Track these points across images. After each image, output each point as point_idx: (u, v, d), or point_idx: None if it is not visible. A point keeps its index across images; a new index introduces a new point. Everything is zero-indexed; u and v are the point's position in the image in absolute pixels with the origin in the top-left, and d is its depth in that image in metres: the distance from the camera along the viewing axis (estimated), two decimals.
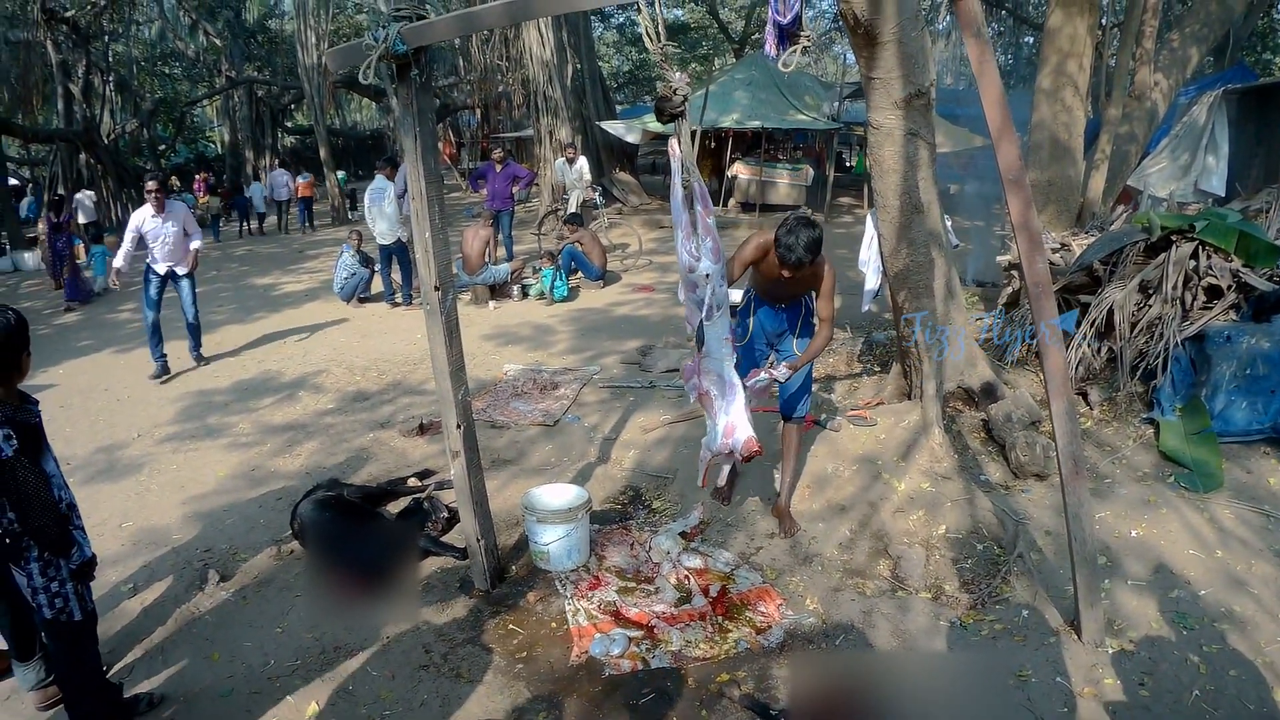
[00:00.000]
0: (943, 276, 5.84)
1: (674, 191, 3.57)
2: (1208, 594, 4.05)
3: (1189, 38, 10.26)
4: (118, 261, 8.32)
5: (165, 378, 8.45)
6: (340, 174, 24.05)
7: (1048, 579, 4.19)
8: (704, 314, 3.73)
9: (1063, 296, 6.65)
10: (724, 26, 36.72)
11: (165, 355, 8.64)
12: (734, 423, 3.88)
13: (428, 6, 3.70)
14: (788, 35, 3.24)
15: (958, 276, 6.30)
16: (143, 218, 8.18)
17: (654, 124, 19.67)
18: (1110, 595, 4.03)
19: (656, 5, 3.15)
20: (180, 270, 8.50)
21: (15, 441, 2.96)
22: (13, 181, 26.76)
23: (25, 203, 25.51)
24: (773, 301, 4.75)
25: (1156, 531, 4.56)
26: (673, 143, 3.44)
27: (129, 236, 8.24)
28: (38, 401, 3.22)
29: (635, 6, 3.21)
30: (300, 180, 21.94)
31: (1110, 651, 3.67)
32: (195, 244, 8.56)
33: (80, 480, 5.93)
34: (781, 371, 4.38)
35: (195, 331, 9.01)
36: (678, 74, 3.27)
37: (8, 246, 19.19)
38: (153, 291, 8.49)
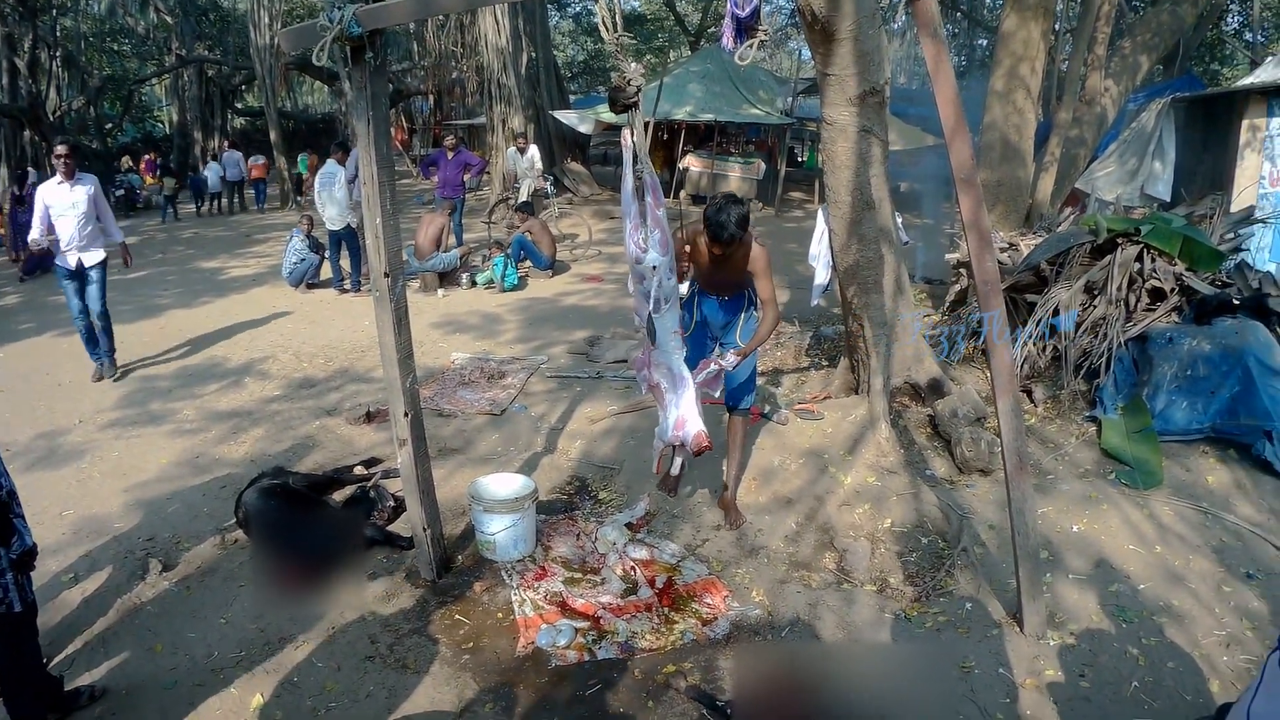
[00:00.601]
0: (892, 273, 5.91)
1: (625, 182, 3.57)
2: (1147, 588, 4.15)
3: (1140, 46, 10.49)
4: (33, 234, 7.36)
5: (116, 375, 7.74)
6: (301, 157, 23.66)
7: (991, 572, 4.26)
8: (651, 306, 3.74)
9: (1010, 295, 6.76)
10: (680, 19, 36.71)
11: (112, 350, 7.88)
12: (684, 416, 3.89)
13: None
14: (745, 29, 3.26)
15: (907, 273, 6.37)
16: (49, 188, 7.30)
17: (607, 114, 19.62)
18: (1052, 589, 4.11)
19: None
20: (89, 260, 7.49)
21: None
22: None
23: None
24: (716, 293, 4.77)
25: (1098, 527, 4.66)
26: (625, 133, 3.43)
27: (38, 213, 7.29)
28: None
29: None
30: (253, 162, 21.76)
31: (1052, 643, 3.75)
32: (118, 238, 7.73)
33: (20, 467, 5.76)
34: (729, 360, 4.38)
35: (106, 335, 7.85)
36: (632, 65, 3.27)
37: None
38: (72, 295, 7.56)
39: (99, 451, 6.11)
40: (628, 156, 3.48)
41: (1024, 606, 3.77)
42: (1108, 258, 6.32)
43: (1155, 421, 5.37)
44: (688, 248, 4.53)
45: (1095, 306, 6.15)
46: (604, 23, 3.20)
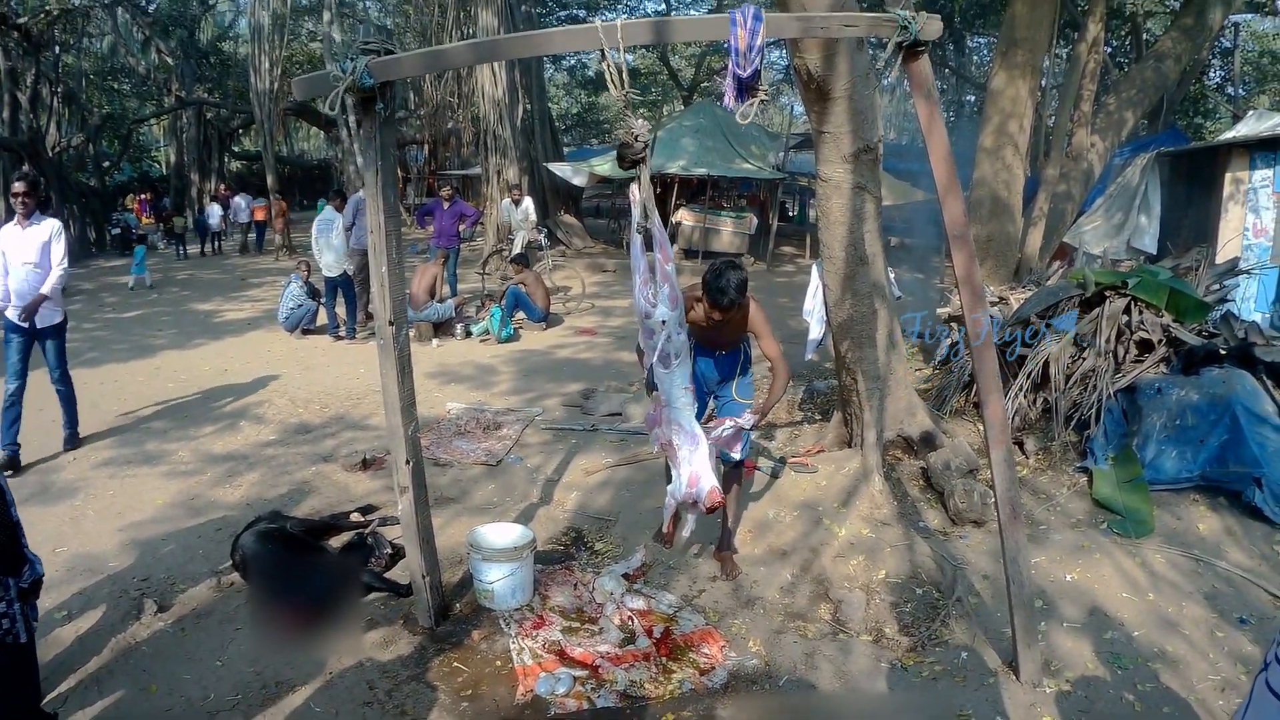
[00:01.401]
0: (885, 327, 5.99)
1: (632, 237, 3.64)
2: (1141, 635, 4.19)
3: (1125, 102, 10.72)
4: None
5: (10, 473, 6.22)
6: (321, 202, 24.29)
7: (986, 622, 4.30)
8: (660, 362, 3.78)
9: (1000, 348, 6.85)
10: (674, 73, 37.25)
11: (17, 444, 6.55)
12: (698, 472, 3.88)
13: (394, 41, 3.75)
14: (746, 89, 3.35)
15: (900, 328, 6.46)
16: (5, 232, 6.42)
17: (601, 167, 19.85)
18: (1047, 637, 4.15)
19: (620, 52, 3.25)
20: (41, 321, 6.51)
21: None
22: None
23: None
24: (711, 349, 4.82)
25: (1091, 576, 4.71)
26: (633, 188, 3.51)
27: None
28: None
29: (597, 52, 3.30)
30: (256, 204, 22.30)
31: (1048, 691, 3.78)
32: (49, 283, 6.41)
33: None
34: (748, 419, 4.39)
35: (67, 403, 7.00)
36: (640, 121, 3.36)
37: None
38: (14, 353, 6.51)
39: (92, 490, 6.11)
40: (636, 211, 3.56)
41: (1020, 654, 3.81)
42: (1096, 310, 6.43)
43: (1146, 471, 5.44)
44: (687, 308, 4.60)
45: (1084, 359, 6.25)
46: (611, 79, 3.29)
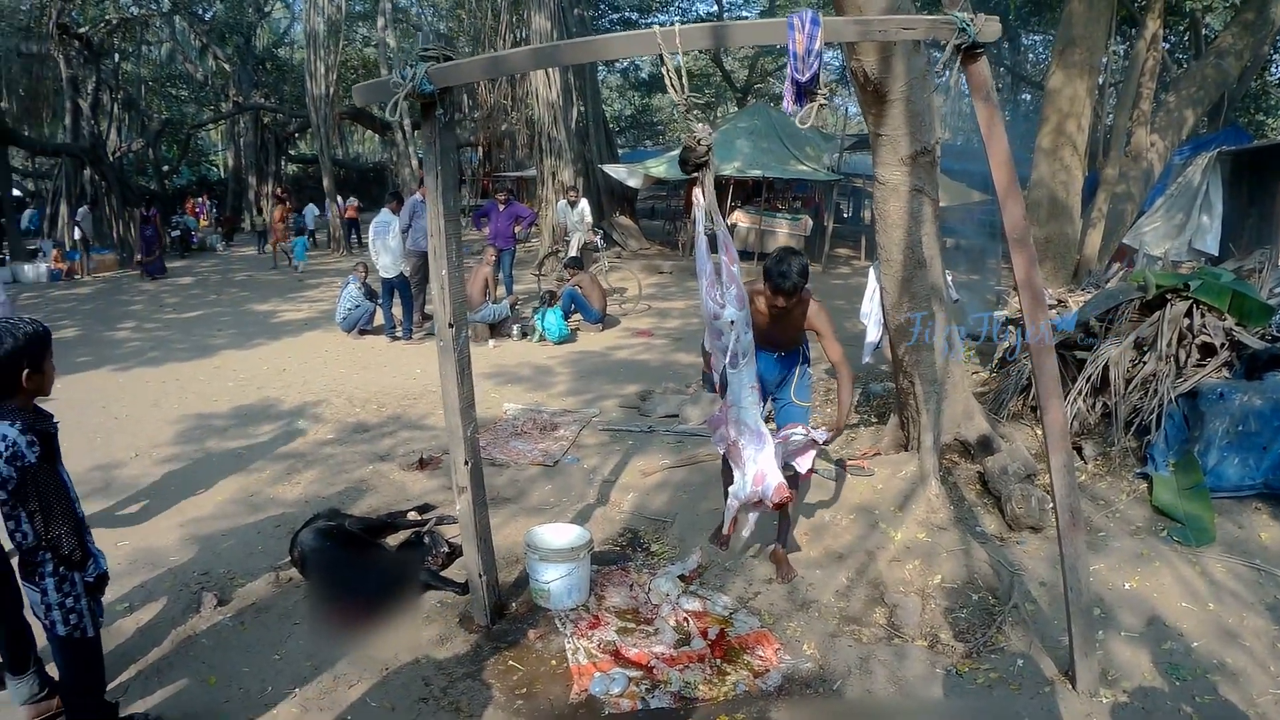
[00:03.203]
0: (942, 330, 5.94)
1: (697, 239, 3.66)
2: (1200, 646, 4.11)
3: (1185, 100, 10.51)
4: None
5: None
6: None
7: (1042, 629, 4.24)
8: (728, 360, 3.79)
9: (1060, 353, 6.75)
10: (728, 75, 37.12)
11: None
12: (764, 470, 3.90)
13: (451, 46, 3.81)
14: (805, 93, 3.35)
15: (957, 331, 6.39)
16: None
17: (656, 169, 19.83)
18: (1104, 646, 4.09)
19: (680, 55, 3.26)
20: None
21: (39, 449, 3.02)
22: (15, 193, 26.91)
23: (27, 215, 25.71)
24: (770, 348, 4.81)
25: (1150, 584, 4.63)
26: (696, 191, 3.53)
27: None
28: (53, 415, 3.26)
29: (655, 55, 3.31)
30: (349, 203, 23.16)
31: (1105, 701, 3.72)
32: None
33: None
34: (821, 435, 4.39)
35: None
36: (701, 124, 3.38)
37: (7, 258, 19.32)
38: None
39: (154, 485, 6.27)
40: (700, 214, 3.58)
41: (1076, 663, 3.75)
42: (1157, 314, 6.32)
43: (1207, 478, 5.33)
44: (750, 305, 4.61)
45: (1145, 363, 6.14)
46: (671, 83, 3.30)
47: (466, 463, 4.17)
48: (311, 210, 24.08)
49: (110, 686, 3.87)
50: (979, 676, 3.93)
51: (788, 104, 3.40)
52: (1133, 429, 5.97)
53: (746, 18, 29.03)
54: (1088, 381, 6.23)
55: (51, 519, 3.05)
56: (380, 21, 24.63)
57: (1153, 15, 10.17)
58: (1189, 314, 6.21)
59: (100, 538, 5.22)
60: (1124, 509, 5.40)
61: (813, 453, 4.41)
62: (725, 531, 4.43)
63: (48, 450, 3.09)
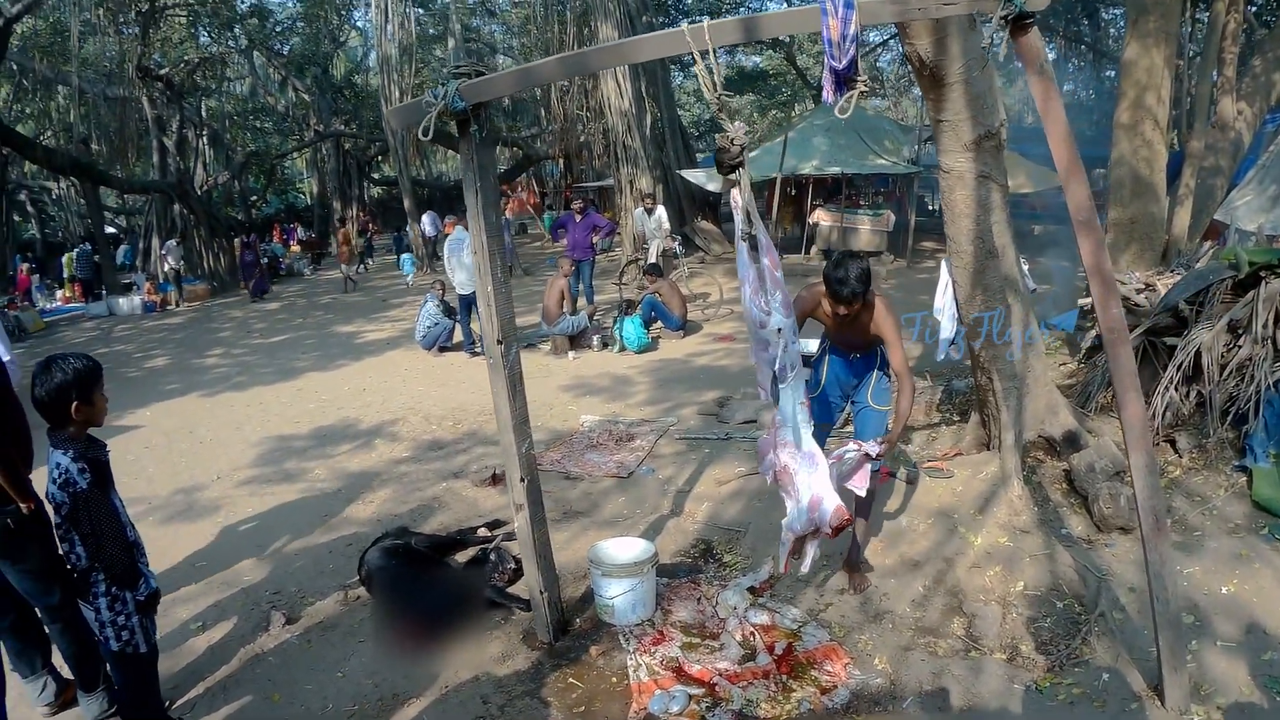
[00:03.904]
0: (1020, 323, 5.68)
1: (738, 243, 3.52)
2: None
3: (1272, 63, 9.91)
4: None
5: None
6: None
7: (1130, 640, 3.98)
8: (778, 373, 3.62)
9: (1149, 340, 6.41)
10: (801, 73, 36.64)
11: None
12: (819, 494, 3.66)
13: (487, 63, 3.76)
14: (845, 81, 3.19)
15: (1037, 321, 6.10)
16: None
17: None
18: (1197, 657, 3.81)
19: (712, 56, 3.15)
20: None
21: (90, 476, 3.17)
22: (109, 230, 28.21)
23: (121, 250, 26.88)
24: (846, 350, 4.65)
25: (1249, 588, 4.31)
26: (734, 193, 3.41)
27: None
28: (105, 443, 3.42)
29: (693, 56, 3.21)
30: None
31: (1196, 719, 3.47)
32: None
33: (159, 519, 6.17)
34: (873, 448, 4.08)
35: None
36: (735, 124, 3.26)
37: (104, 292, 20.19)
38: None
39: (233, 507, 6.43)
40: (739, 218, 3.44)
41: (1165, 678, 3.49)
42: (1251, 293, 5.91)
43: None
44: (813, 306, 4.46)
45: (1240, 346, 5.75)
46: (704, 83, 3.20)
47: (523, 479, 4.12)
48: (424, 223, 24.47)
49: (179, 703, 4.01)
50: (1060, 692, 3.70)
51: (827, 94, 3.23)
52: (1229, 419, 5.60)
53: None
54: (1179, 369, 5.87)
55: (102, 542, 3.19)
56: (450, 43, 24.98)
57: None
58: None
59: (179, 559, 5.47)
60: (1222, 505, 5.06)
61: (868, 468, 4.14)
62: (782, 569, 4.25)
63: (99, 477, 3.25)
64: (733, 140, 3.29)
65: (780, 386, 3.69)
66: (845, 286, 4.12)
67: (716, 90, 3.20)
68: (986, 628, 4.14)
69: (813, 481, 3.70)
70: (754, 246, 3.50)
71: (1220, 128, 9.80)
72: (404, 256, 22.15)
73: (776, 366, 3.63)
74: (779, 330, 3.57)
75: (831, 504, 3.64)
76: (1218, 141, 9.75)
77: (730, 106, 3.29)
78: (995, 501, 5.16)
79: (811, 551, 3.90)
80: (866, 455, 4.05)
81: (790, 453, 3.76)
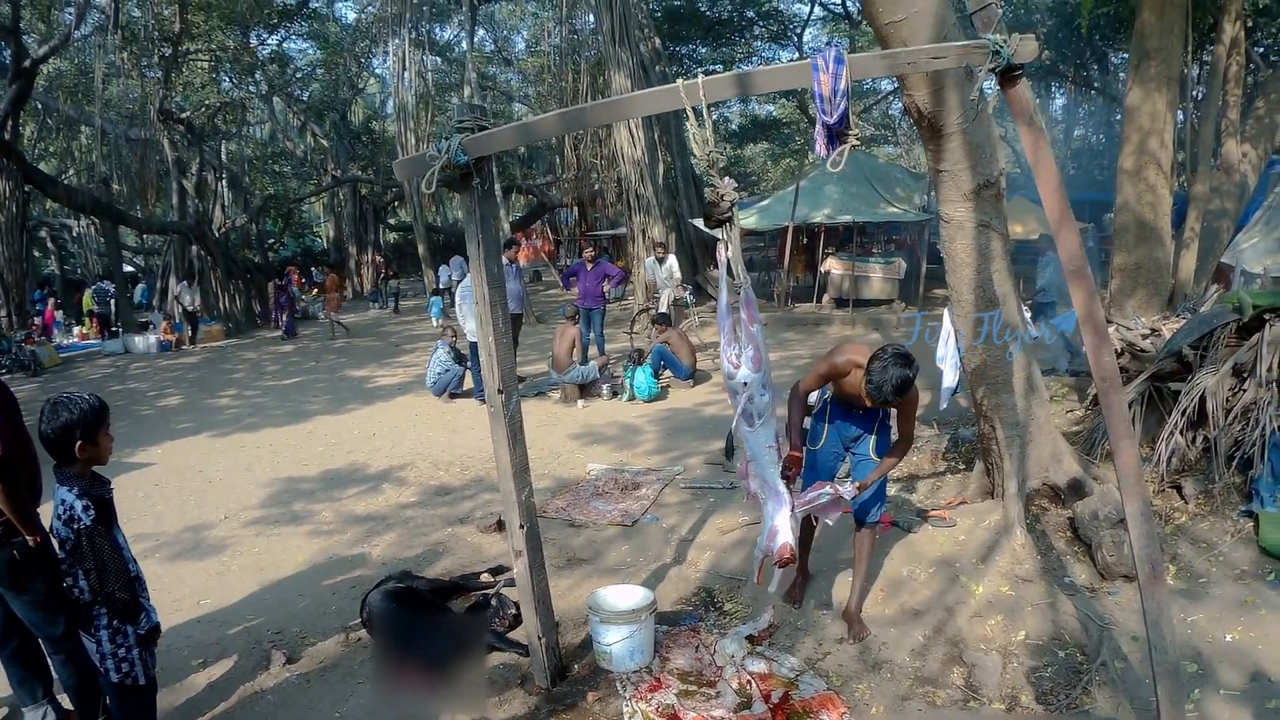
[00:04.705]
0: (1022, 371, 5.69)
1: (720, 297, 3.59)
2: None
3: (1275, 105, 9.95)
4: None
5: None
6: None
7: (1132, 689, 3.94)
8: (744, 419, 3.70)
9: (1154, 385, 6.40)
10: (814, 121, 36.96)
11: None
12: (777, 527, 3.84)
13: (490, 117, 3.83)
14: (836, 135, 3.26)
15: (1039, 370, 6.10)
16: None
17: (748, 220, 19.75)
18: (1200, 706, 3.78)
19: (705, 113, 3.22)
20: None
21: (93, 512, 3.25)
22: (127, 268, 28.59)
23: (139, 289, 27.21)
24: (852, 405, 4.63)
25: (1254, 635, 4.27)
26: (720, 248, 3.47)
27: None
28: (109, 481, 3.49)
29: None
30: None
31: None
32: None
33: (166, 557, 6.22)
34: (848, 490, 4.18)
35: None
36: (726, 180, 3.32)
37: (121, 330, 20.45)
38: None
39: (240, 546, 6.48)
40: (723, 271, 3.51)
41: None
42: (1255, 336, 5.91)
43: None
44: (843, 374, 4.44)
45: (1245, 390, 5.74)
46: (695, 139, 3.27)
47: (522, 526, 4.15)
48: (445, 271, 24.68)
49: None
50: None
51: (819, 149, 3.30)
52: (1235, 463, 5.58)
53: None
54: (1184, 415, 5.86)
55: (106, 577, 3.27)
56: (467, 91, 25.35)
57: (1230, 18, 9.62)
58: None
59: (184, 596, 5.56)
60: (1227, 551, 5.03)
61: (839, 506, 4.29)
62: (756, 579, 4.32)
63: (102, 514, 3.33)
64: (722, 196, 3.35)
65: (748, 430, 3.81)
66: (880, 392, 4.04)
67: (708, 147, 3.26)
68: (986, 677, 4.11)
69: (776, 517, 3.87)
70: (736, 300, 3.58)
71: (1225, 170, 9.83)
72: (432, 299, 22.58)
73: (740, 412, 3.76)
74: (745, 384, 3.68)
75: (781, 540, 3.81)
76: (1223, 184, 9.79)
77: (719, 163, 3.34)
78: (998, 550, 5.14)
79: (777, 574, 4.05)
80: (840, 498, 4.20)
81: (759, 484, 3.92)
